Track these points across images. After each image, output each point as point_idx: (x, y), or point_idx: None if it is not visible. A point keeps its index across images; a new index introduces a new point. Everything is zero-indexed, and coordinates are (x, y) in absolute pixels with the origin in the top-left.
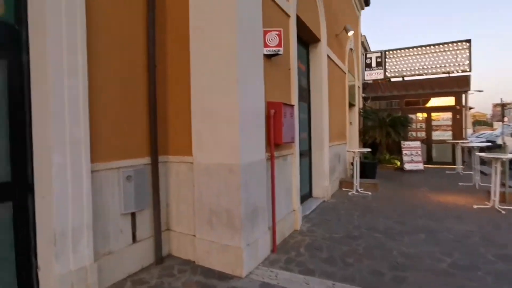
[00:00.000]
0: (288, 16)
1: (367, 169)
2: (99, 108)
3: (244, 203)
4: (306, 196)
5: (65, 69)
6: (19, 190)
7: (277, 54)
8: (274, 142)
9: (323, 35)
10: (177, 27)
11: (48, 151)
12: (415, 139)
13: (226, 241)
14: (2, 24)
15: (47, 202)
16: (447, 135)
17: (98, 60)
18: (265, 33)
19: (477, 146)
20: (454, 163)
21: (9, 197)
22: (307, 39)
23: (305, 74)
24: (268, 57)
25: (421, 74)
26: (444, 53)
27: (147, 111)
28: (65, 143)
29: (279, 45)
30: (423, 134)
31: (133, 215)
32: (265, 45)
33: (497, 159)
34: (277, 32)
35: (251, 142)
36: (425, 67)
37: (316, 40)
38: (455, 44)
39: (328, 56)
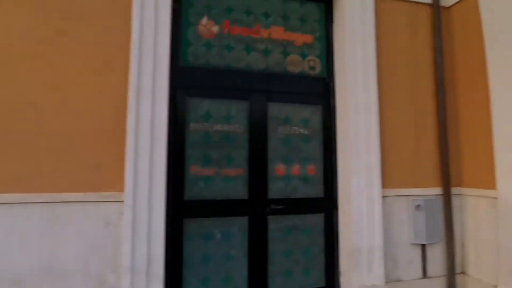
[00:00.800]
0: None
1: None
2: (388, 137)
3: None
4: None
5: (360, 107)
6: (328, 205)
7: None
8: None
9: None
10: (467, 49)
11: (349, 175)
12: None
13: None
14: (319, 79)
15: (347, 218)
16: None
17: (388, 95)
18: None
19: None
20: None
21: (322, 209)
22: None
23: None
24: None
25: None
26: None
27: (436, 138)
28: (360, 169)
29: None
30: None
31: (423, 247)
32: None
33: None
34: None
35: None
36: None
37: None
38: None
39: None
